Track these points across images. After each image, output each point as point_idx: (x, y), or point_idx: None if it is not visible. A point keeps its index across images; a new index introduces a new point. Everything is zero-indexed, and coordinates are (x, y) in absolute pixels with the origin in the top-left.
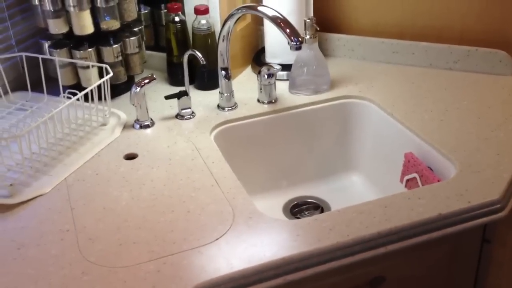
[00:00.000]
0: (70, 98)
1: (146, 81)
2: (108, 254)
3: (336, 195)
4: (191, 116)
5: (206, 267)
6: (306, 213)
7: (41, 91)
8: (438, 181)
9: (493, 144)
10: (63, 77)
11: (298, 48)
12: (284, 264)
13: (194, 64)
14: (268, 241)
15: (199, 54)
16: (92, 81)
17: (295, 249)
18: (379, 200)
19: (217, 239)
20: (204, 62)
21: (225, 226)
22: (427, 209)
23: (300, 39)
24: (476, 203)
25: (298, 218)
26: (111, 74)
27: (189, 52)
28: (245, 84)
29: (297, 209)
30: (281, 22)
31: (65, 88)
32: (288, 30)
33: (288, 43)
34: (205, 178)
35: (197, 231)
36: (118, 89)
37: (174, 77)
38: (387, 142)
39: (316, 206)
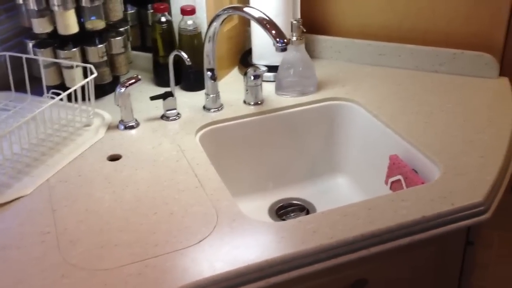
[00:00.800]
0: (53, 98)
1: (131, 81)
2: (89, 257)
3: (322, 197)
4: (177, 117)
5: (188, 270)
6: (291, 215)
7: (25, 91)
8: (422, 183)
9: (477, 147)
10: (47, 77)
11: (284, 49)
12: (267, 267)
13: (180, 65)
14: (251, 243)
15: (184, 55)
16: (76, 81)
17: (278, 251)
18: (363, 202)
19: (200, 241)
20: (190, 63)
21: (208, 228)
22: (411, 211)
23: (285, 40)
24: (459, 205)
25: (284, 220)
26: (95, 74)
27: (175, 52)
28: (231, 85)
29: (283, 210)
30: (267, 24)
31: (49, 88)
32: (273, 32)
33: (274, 44)
34: (189, 180)
35: (180, 233)
36: (103, 90)
37: (160, 78)
38: (373, 144)
39: (302, 208)
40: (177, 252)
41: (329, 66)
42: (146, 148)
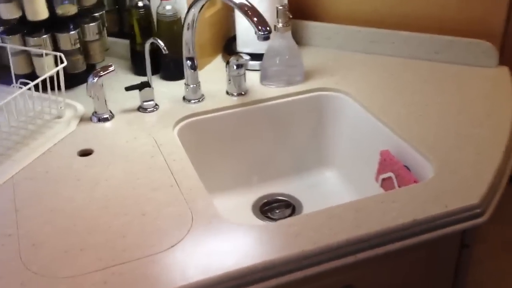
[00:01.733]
0: (22, 88)
1: (104, 71)
2: (52, 262)
3: (309, 192)
4: (154, 109)
5: (158, 279)
6: (276, 211)
7: None
8: (415, 181)
9: (473, 142)
10: (16, 66)
11: (266, 38)
12: (244, 275)
13: (159, 52)
14: (228, 248)
15: (161, 43)
16: (47, 70)
17: (257, 257)
18: (350, 204)
19: (172, 246)
20: (167, 52)
21: (182, 232)
22: (401, 214)
23: (268, 28)
24: (454, 208)
25: (268, 217)
26: (65, 63)
27: (151, 40)
28: (214, 74)
29: (268, 207)
30: (248, 10)
31: (18, 77)
32: (255, 19)
33: (255, 32)
34: (165, 178)
35: (152, 236)
36: (76, 79)
37: (138, 66)
38: (363, 137)
39: (288, 204)
40: (147, 258)
41: (317, 54)
42: (120, 142)
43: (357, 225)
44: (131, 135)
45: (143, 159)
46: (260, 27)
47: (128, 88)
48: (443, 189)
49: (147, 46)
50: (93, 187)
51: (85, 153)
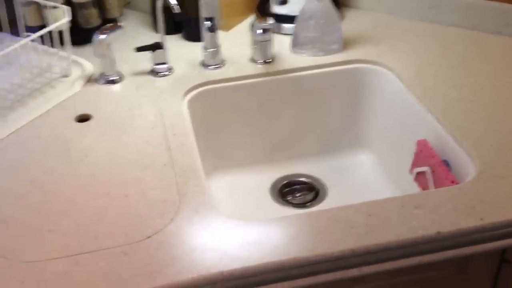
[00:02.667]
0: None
1: (112, 29)
2: (17, 243)
3: (337, 177)
4: (168, 73)
5: (122, 277)
6: (297, 195)
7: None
8: (453, 182)
9: None
10: (27, 17)
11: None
12: (222, 281)
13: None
14: (210, 246)
15: (171, 1)
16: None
17: (240, 261)
18: (363, 205)
19: (148, 237)
20: (178, 11)
21: (163, 221)
22: (423, 224)
23: None
24: (491, 222)
25: (287, 201)
26: (69, 18)
27: None
28: (242, 37)
29: (288, 189)
30: None
31: (29, 29)
32: None
33: None
34: (160, 154)
35: (128, 223)
36: (89, 35)
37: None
38: (401, 122)
39: (311, 188)
40: (117, 249)
41: (363, 18)
42: (122, 109)
43: (366, 232)
44: (136, 101)
45: (141, 131)
46: None
47: (139, 49)
48: (481, 196)
49: (159, 3)
50: (81, 160)
51: (83, 118)
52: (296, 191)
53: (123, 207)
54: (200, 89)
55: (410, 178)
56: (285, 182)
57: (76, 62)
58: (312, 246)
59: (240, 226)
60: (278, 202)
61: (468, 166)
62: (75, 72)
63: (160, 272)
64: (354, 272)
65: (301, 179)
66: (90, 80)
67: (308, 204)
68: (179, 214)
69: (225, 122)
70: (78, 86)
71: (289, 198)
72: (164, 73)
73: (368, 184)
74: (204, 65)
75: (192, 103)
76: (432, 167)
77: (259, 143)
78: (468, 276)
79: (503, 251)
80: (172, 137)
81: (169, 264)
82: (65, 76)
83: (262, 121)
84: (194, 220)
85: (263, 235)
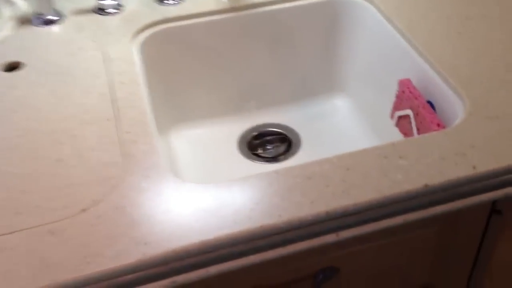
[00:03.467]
0: None
1: None
2: None
3: (312, 125)
4: (116, 10)
5: (47, 262)
6: (268, 147)
7: None
8: (438, 125)
9: None
10: None
11: None
12: (174, 260)
13: None
14: (160, 218)
15: None
16: None
17: (194, 235)
18: (340, 159)
19: (83, 210)
20: None
21: (103, 189)
22: (409, 177)
23: None
24: (484, 170)
25: (257, 154)
26: None
27: None
28: None
29: (258, 141)
30: None
31: None
32: None
33: None
34: (103, 108)
35: (60, 195)
36: None
37: None
38: (382, 60)
39: (283, 139)
40: (43, 227)
41: None
42: (60, 55)
43: (343, 191)
44: (76, 45)
45: (82, 80)
46: None
47: None
48: (472, 141)
49: None
50: (7, 117)
51: (13, 67)
52: (266, 143)
53: (54, 175)
54: (155, 28)
55: (388, 125)
56: (254, 133)
57: (6, 0)
58: (281, 210)
59: (197, 191)
60: (248, 156)
61: (456, 107)
62: (5, 12)
63: (96, 255)
64: (330, 238)
65: (271, 129)
66: (24, 21)
67: (281, 157)
68: (123, 180)
69: (184, 67)
70: (8, 29)
71: (260, 151)
72: (112, 10)
73: (345, 131)
74: (159, 0)
75: (144, 46)
76: (415, 109)
77: (224, 90)
78: (455, 232)
79: (494, 201)
80: (119, 86)
81: (108, 244)
82: None
83: (228, 65)
84: (142, 187)
85: (224, 201)
